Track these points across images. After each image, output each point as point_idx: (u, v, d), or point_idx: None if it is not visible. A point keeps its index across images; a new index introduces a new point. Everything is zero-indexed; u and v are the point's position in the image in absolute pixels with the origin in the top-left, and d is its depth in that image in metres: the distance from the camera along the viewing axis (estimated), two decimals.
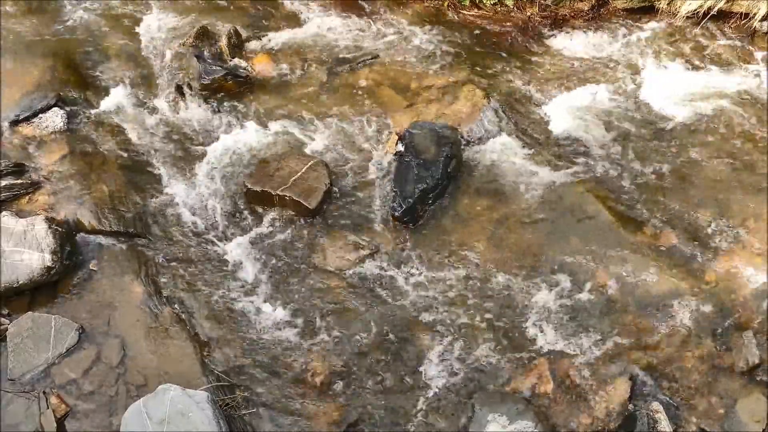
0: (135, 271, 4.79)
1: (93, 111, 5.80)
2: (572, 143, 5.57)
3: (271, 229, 5.07)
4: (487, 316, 4.61)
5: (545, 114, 5.80)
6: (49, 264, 4.57)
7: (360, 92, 6.00)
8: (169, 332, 4.51)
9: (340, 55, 6.32)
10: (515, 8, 6.71)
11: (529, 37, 6.52)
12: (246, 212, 5.17)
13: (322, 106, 5.89)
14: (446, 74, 6.13)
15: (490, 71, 6.19)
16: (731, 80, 6.00)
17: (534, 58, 6.32)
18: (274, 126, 5.72)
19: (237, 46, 6.34)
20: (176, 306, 4.65)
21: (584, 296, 4.66)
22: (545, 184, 5.29)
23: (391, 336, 4.54)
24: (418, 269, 4.84)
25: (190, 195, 5.25)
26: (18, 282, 4.53)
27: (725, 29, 6.45)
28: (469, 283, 4.77)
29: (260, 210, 5.17)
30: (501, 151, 5.50)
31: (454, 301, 4.69)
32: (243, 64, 6.21)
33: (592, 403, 4.21)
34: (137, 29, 6.56)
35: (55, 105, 5.71)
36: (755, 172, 5.30)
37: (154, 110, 5.84)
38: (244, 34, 6.44)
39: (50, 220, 4.78)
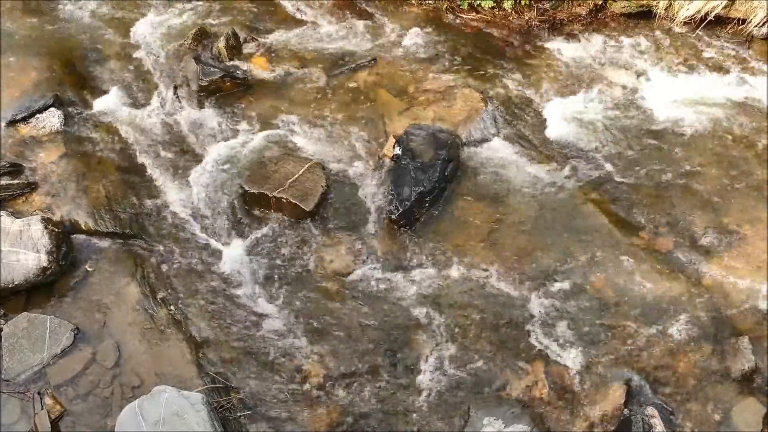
0: (131, 273, 4.79)
1: (90, 111, 5.81)
2: (569, 147, 5.58)
3: (267, 231, 5.06)
4: (483, 319, 4.61)
5: (543, 117, 5.81)
6: (45, 264, 4.56)
7: (357, 95, 6.00)
8: (165, 334, 4.50)
9: (338, 58, 6.33)
10: (513, 12, 6.73)
11: (527, 41, 6.53)
12: (242, 214, 5.16)
13: (320, 109, 5.89)
14: (444, 77, 6.14)
15: (487, 75, 6.20)
16: (728, 85, 6.03)
17: (532, 62, 6.33)
18: (272, 128, 5.72)
19: (235, 47, 6.34)
20: (172, 307, 4.65)
21: (580, 300, 4.67)
22: (542, 187, 5.30)
23: (387, 339, 4.54)
24: (414, 272, 4.84)
25: (186, 196, 5.24)
26: (14, 282, 4.52)
27: (722, 34, 6.48)
28: (465, 286, 4.77)
29: (257, 212, 5.17)
30: (498, 154, 5.51)
31: (450, 304, 4.68)
32: (241, 65, 6.22)
33: (587, 408, 4.21)
34: (135, 30, 6.57)
35: (52, 105, 5.71)
36: (752, 177, 5.32)
37: (151, 111, 5.83)
38: (242, 35, 6.44)
39: (46, 221, 4.77)
